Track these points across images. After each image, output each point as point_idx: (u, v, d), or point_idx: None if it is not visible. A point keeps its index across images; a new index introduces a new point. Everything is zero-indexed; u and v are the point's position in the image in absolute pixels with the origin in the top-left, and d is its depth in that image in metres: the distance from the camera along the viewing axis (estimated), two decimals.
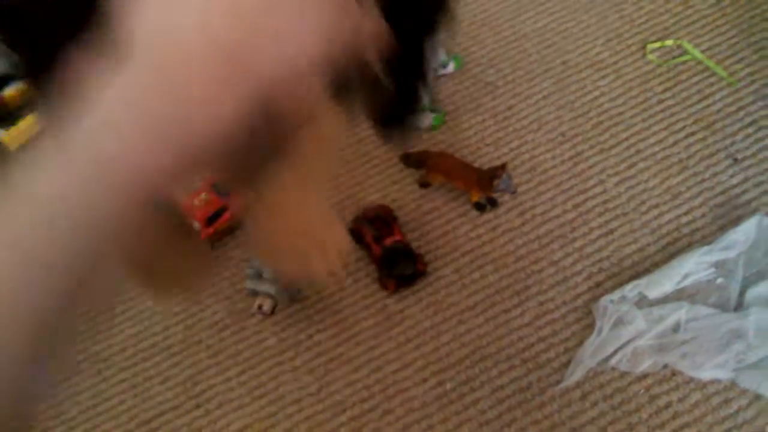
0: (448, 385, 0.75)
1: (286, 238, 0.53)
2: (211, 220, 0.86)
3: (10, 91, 1.04)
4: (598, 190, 0.85)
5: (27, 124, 1.01)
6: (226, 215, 0.87)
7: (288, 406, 0.77)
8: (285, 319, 0.82)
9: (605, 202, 0.84)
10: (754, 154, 0.84)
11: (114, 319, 0.86)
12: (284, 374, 0.79)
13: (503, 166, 0.80)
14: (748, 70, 0.91)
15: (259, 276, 0.79)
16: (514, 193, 0.84)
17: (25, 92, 1.03)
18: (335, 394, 0.77)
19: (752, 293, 0.74)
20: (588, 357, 0.74)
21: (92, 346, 0.85)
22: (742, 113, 0.87)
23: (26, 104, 1.02)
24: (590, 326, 0.76)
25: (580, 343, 0.75)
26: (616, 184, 0.85)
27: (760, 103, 0.88)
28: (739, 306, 0.75)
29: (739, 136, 0.86)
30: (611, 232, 0.82)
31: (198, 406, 0.79)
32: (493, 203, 0.85)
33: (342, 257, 0.51)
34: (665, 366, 0.73)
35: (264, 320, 0.82)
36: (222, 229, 0.87)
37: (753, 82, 0.90)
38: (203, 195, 0.87)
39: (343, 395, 0.77)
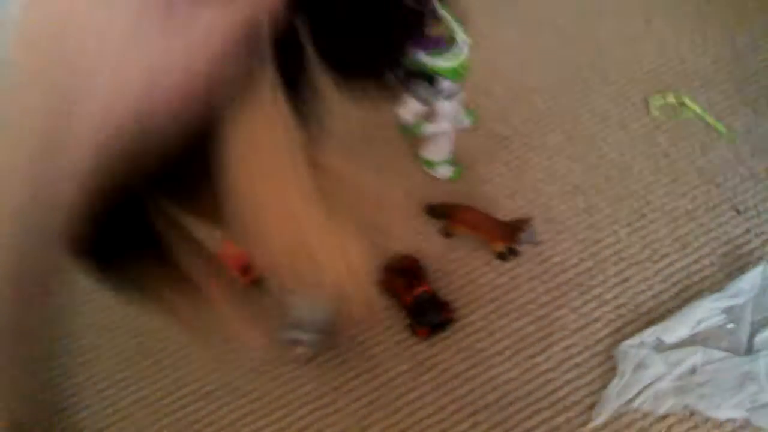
0: (484, 427, 0.79)
1: (279, 244, 0.51)
2: (246, 270, 0.89)
3: None
4: (612, 239, 0.91)
5: None
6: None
7: None
8: (320, 365, 0.86)
9: (619, 251, 0.90)
10: (755, 206, 0.91)
11: (156, 366, 0.89)
12: (327, 417, 0.82)
13: (528, 220, 0.86)
14: (745, 125, 0.98)
15: (298, 325, 0.83)
16: (537, 244, 0.89)
17: None
18: None
19: (761, 337, 0.80)
20: (613, 399, 0.79)
21: (138, 392, 0.87)
22: (742, 167, 0.94)
23: None
24: (612, 369, 0.81)
25: (604, 386, 0.80)
26: (629, 234, 0.91)
27: (758, 158, 0.94)
28: (750, 349, 0.80)
29: (740, 189, 0.92)
30: (626, 280, 0.88)
31: None
32: (514, 252, 0.90)
33: (357, 276, 0.53)
34: (685, 406, 0.78)
35: (299, 367, 0.86)
36: (257, 277, 0.90)
37: (750, 136, 0.97)
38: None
39: None
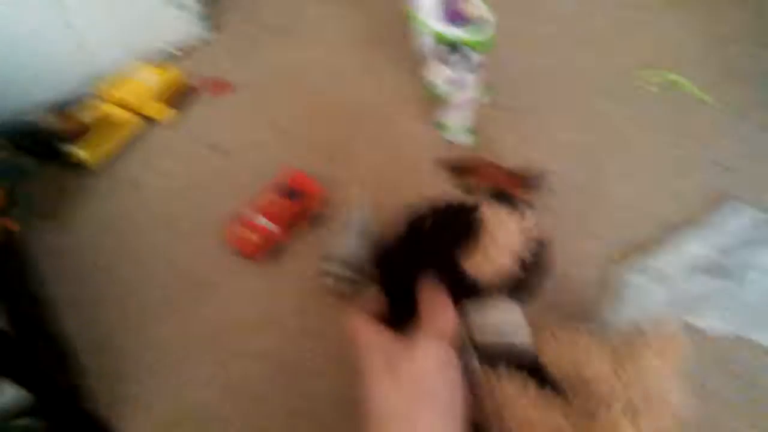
0: None
1: None
2: (285, 221, 0.98)
3: (87, 113, 1.17)
4: (607, 189, 1.01)
5: (107, 145, 1.14)
6: (299, 216, 1.00)
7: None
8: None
9: (614, 198, 1.00)
10: (737, 162, 1.02)
11: (193, 304, 0.97)
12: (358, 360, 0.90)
13: (539, 170, 0.97)
14: (728, 96, 1.10)
15: (337, 260, 0.92)
16: (548, 190, 1.00)
17: (101, 115, 1.17)
18: None
19: (743, 263, 0.90)
20: (611, 321, 0.88)
21: (178, 327, 0.94)
22: (724, 131, 1.06)
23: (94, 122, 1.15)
24: (610, 294, 0.91)
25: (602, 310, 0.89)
26: (624, 185, 1.02)
27: (737, 120, 1.06)
28: (734, 274, 0.91)
29: (722, 147, 1.04)
30: (622, 221, 0.98)
31: (280, 374, 0.89)
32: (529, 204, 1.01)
33: None
34: (680, 323, 0.88)
35: (337, 303, 0.95)
36: (294, 228, 1.00)
37: (729, 103, 1.09)
38: (276, 198, 1.00)
39: None
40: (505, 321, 0.62)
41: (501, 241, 0.57)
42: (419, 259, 0.61)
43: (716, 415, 0.81)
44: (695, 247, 0.92)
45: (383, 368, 0.54)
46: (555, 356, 0.61)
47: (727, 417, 0.81)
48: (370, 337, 0.58)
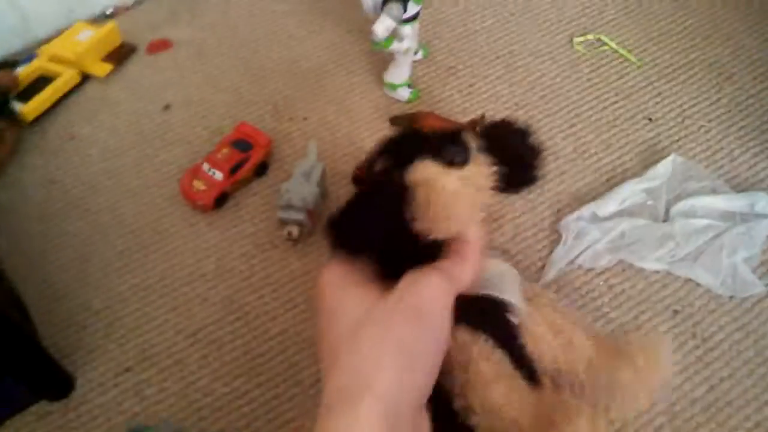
0: None
1: None
2: (233, 170, 1.00)
3: (23, 69, 1.14)
4: (549, 143, 1.07)
5: (42, 97, 1.12)
6: (246, 166, 1.01)
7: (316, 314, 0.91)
8: (306, 248, 0.97)
9: (555, 152, 1.06)
10: (663, 116, 1.09)
11: (147, 257, 0.98)
12: (311, 290, 0.93)
13: (482, 116, 1.01)
14: (651, 57, 1.17)
15: (289, 206, 0.94)
16: None
17: (36, 70, 1.15)
18: None
19: (674, 209, 0.97)
20: (559, 260, 0.93)
21: (131, 279, 0.95)
22: (650, 87, 1.13)
23: (38, 80, 1.14)
24: (556, 240, 0.96)
25: (551, 252, 0.95)
26: (563, 140, 1.07)
27: (663, 80, 1.14)
28: (666, 219, 0.97)
29: (650, 103, 1.11)
30: (563, 173, 1.03)
31: (238, 319, 0.91)
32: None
33: None
34: (618, 262, 0.94)
35: (288, 249, 0.97)
36: (242, 178, 1.01)
37: (656, 65, 1.16)
38: (225, 150, 1.01)
39: None
40: (492, 273, 0.56)
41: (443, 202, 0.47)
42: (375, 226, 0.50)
43: None
44: (627, 192, 0.98)
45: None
46: (536, 339, 0.55)
47: None
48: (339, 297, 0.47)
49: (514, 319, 0.53)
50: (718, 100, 1.12)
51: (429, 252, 0.49)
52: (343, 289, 0.46)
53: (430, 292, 0.44)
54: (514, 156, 0.55)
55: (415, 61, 1.16)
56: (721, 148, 1.05)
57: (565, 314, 0.56)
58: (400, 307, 0.43)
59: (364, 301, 0.44)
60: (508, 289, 0.56)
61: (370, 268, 0.49)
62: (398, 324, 0.42)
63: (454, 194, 0.46)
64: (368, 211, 0.49)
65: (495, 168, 0.50)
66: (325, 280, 0.48)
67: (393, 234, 0.48)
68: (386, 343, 0.41)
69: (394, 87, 1.11)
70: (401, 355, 0.40)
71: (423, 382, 0.42)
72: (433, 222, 0.46)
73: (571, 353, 0.54)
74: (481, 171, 0.49)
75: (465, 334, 0.51)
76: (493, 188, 0.51)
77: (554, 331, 0.55)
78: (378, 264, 0.50)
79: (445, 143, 0.49)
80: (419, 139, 0.51)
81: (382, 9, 0.98)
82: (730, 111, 1.10)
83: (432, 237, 0.47)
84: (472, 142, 0.49)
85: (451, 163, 0.47)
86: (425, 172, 0.46)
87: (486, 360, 0.50)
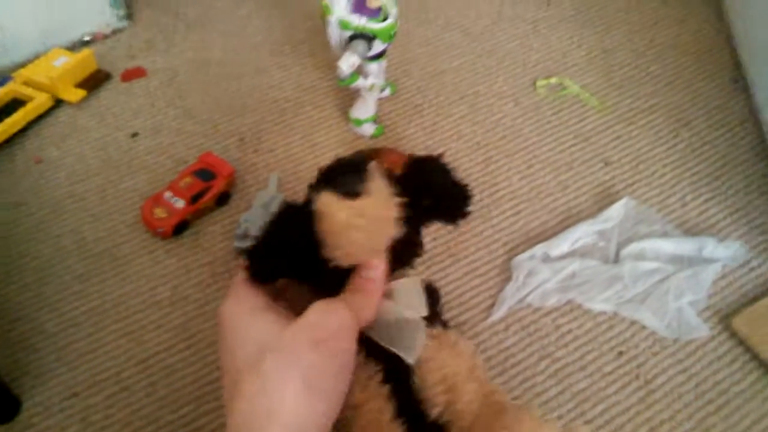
0: None
1: None
2: (194, 199, 1.02)
3: None
4: (506, 183, 1.09)
5: (12, 120, 1.14)
6: (208, 195, 1.03)
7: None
8: None
9: (512, 192, 1.08)
10: (619, 159, 1.12)
11: (105, 282, 0.99)
12: (219, 359, 0.93)
13: (440, 155, 1.03)
14: (611, 101, 1.20)
15: (246, 236, 0.96)
16: None
17: (10, 92, 1.17)
18: None
19: (624, 252, 0.99)
20: (508, 298, 0.95)
21: (87, 304, 0.96)
22: (609, 131, 1.16)
23: (11, 103, 1.16)
24: (508, 278, 0.98)
25: (502, 289, 0.96)
26: (520, 180, 1.09)
27: (622, 124, 1.17)
28: (616, 260, 0.99)
29: (608, 147, 1.13)
30: (518, 212, 1.05)
31: (189, 347, 0.92)
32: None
33: None
34: (567, 302, 0.95)
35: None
36: (203, 207, 1.03)
37: (616, 109, 1.19)
38: (187, 179, 1.03)
39: None
40: (398, 320, 0.53)
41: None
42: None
43: (595, 383, 0.89)
44: (580, 233, 1.00)
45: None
46: (426, 386, 0.53)
47: (603, 384, 0.89)
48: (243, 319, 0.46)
49: (409, 361, 0.51)
50: (675, 145, 1.14)
51: (338, 277, 0.50)
52: (249, 315, 0.45)
53: (336, 323, 0.44)
54: (436, 190, 0.56)
55: (382, 98, 1.19)
56: (674, 193, 1.08)
57: (463, 362, 0.55)
58: (307, 336, 0.42)
59: (270, 327, 0.44)
60: (409, 332, 0.53)
61: (275, 293, 0.50)
62: (304, 353, 0.41)
63: (344, 225, 0.46)
64: (280, 237, 0.50)
65: (400, 199, 0.50)
66: (227, 308, 0.47)
67: (304, 259, 0.49)
68: (291, 371, 0.40)
69: (359, 122, 1.13)
70: (306, 383, 0.40)
71: (328, 410, 0.42)
72: (330, 251, 0.47)
73: (458, 405, 0.54)
74: (379, 202, 0.48)
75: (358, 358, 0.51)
76: (405, 219, 0.50)
77: (445, 382, 0.54)
78: (294, 283, 0.52)
79: (341, 173, 0.49)
80: (334, 167, 0.52)
81: (347, 46, 1.00)
82: (685, 156, 1.13)
83: (333, 264, 0.48)
84: (375, 173, 0.49)
85: (345, 194, 0.47)
86: (322, 201, 0.47)
87: (373, 398, 0.50)
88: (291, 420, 0.39)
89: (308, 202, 0.49)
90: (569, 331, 0.94)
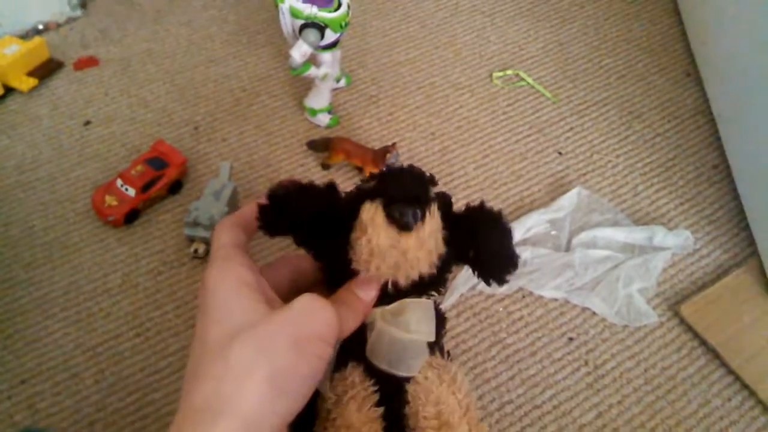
0: None
1: None
2: (145, 188, 1.01)
3: None
4: (461, 173, 1.09)
5: None
6: (159, 183, 1.02)
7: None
8: None
9: (467, 181, 1.09)
10: (573, 150, 1.13)
11: (54, 270, 0.97)
12: (195, 326, 0.93)
13: (394, 145, 1.03)
14: (566, 94, 1.21)
15: (196, 223, 0.95)
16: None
17: None
18: None
19: (576, 240, 1.00)
20: (460, 286, 0.95)
21: (35, 292, 0.95)
22: (563, 122, 1.17)
23: None
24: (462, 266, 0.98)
25: (455, 277, 0.97)
26: (475, 169, 1.10)
27: (575, 116, 1.18)
28: (567, 249, 1.00)
29: (561, 138, 1.14)
30: (473, 201, 1.05)
31: (138, 335, 0.91)
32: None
33: None
34: (519, 289, 0.96)
35: (195, 267, 0.98)
36: (154, 196, 1.02)
37: (570, 101, 1.20)
38: (139, 167, 1.02)
39: None
40: (400, 345, 0.51)
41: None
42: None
43: (545, 369, 0.90)
44: (532, 222, 1.01)
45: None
46: (417, 417, 0.51)
47: (553, 370, 0.90)
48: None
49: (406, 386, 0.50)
50: (627, 137, 1.16)
51: (346, 271, 0.47)
52: (232, 290, 0.42)
53: (321, 326, 0.41)
54: (490, 250, 0.50)
55: (337, 89, 1.19)
56: (626, 183, 1.09)
57: (460, 399, 0.55)
58: (287, 333, 0.39)
59: (252, 309, 0.41)
60: (412, 354, 0.51)
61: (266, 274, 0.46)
62: (279, 350, 0.38)
63: (381, 249, 0.43)
64: (312, 202, 0.47)
65: (447, 249, 0.47)
66: (212, 275, 0.43)
67: (323, 235, 0.47)
68: (260, 364, 0.38)
69: (314, 112, 1.13)
70: (273, 381, 0.37)
71: (287, 412, 0.39)
72: (354, 254, 0.45)
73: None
74: (425, 244, 0.45)
75: (356, 375, 0.50)
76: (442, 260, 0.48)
77: (440, 418, 0.53)
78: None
79: (401, 198, 0.44)
80: (401, 179, 0.47)
81: (299, 35, 1.00)
82: (637, 148, 1.14)
83: (348, 260, 0.46)
84: (436, 209, 0.45)
85: (398, 224, 0.43)
86: (370, 217, 0.44)
87: (357, 409, 0.48)
88: (248, 414, 0.36)
89: (360, 191, 0.47)
90: (520, 318, 0.94)
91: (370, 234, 0.44)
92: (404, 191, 0.45)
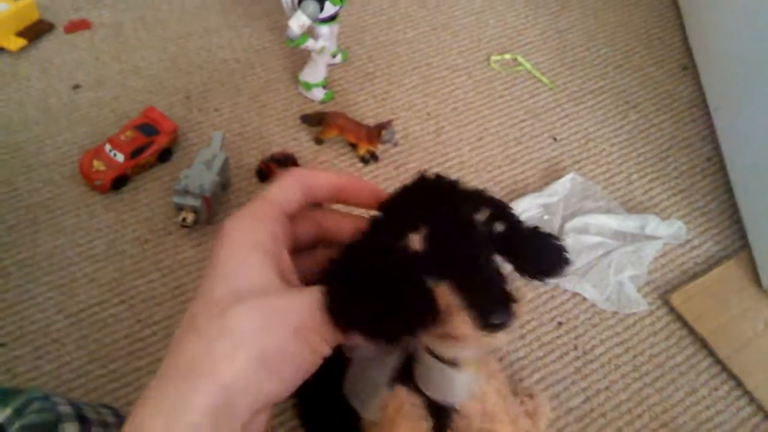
0: None
1: None
2: (134, 154, 0.99)
3: None
4: (455, 154, 1.09)
5: None
6: (149, 150, 1.00)
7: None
8: (201, 236, 0.96)
9: (461, 163, 1.08)
10: (568, 136, 1.12)
11: (38, 233, 0.95)
12: (201, 277, 0.92)
13: (389, 122, 1.02)
14: (563, 80, 1.21)
15: (186, 192, 0.93)
16: (396, 144, 1.06)
17: None
18: None
19: (569, 226, 0.99)
20: None
21: (17, 255, 0.93)
22: (559, 108, 1.16)
23: None
24: None
25: None
26: (470, 151, 1.09)
27: (572, 103, 1.17)
28: (560, 233, 1.00)
29: (557, 124, 1.14)
30: (467, 183, 1.05)
31: (122, 302, 0.90)
32: (375, 158, 1.06)
33: None
34: (509, 272, 0.95)
35: (183, 236, 0.96)
36: (144, 162, 1.00)
37: (566, 88, 1.19)
38: (128, 132, 1.00)
39: None
40: (450, 377, 0.48)
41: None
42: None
43: (533, 352, 0.89)
44: (525, 206, 1.00)
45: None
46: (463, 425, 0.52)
47: (542, 353, 0.89)
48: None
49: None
50: (622, 126, 1.15)
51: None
52: (248, 251, 0.39)
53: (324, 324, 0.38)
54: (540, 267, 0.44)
55: (333, 65, 1.17)
56: (620, 172, 1.09)
57: (504, 405, 0.54)
58: (292, 315, 0.37)
59: (262, 276, 0.38)
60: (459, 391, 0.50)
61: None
62: (280, 327, 0.36)
63: (464, 349, 0.40)
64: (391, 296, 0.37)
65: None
66: (230, 230, 0.39)
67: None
68: (258, 336, 0.35)
69: (308, 86, 1.11)
70: (263, 359, 0.35)
71: (273, 390, 0.37)
72: (430, 339, 0.40)
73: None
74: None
75: (404, 393, 0.49)
76: None
77: (485, 424, 0.53)
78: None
79: (489, 295, 0.38)
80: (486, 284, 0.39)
81: (298, 6, 0.98)
82: (632, 137, 1.14)
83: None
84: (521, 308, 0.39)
85: (485, 324, 0.36)
86: (445, 300, 0.37)
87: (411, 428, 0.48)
88: (231, 382, 0.34)
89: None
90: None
91: (453, 337, 0.38)
92: (491, 292, 0.38)
